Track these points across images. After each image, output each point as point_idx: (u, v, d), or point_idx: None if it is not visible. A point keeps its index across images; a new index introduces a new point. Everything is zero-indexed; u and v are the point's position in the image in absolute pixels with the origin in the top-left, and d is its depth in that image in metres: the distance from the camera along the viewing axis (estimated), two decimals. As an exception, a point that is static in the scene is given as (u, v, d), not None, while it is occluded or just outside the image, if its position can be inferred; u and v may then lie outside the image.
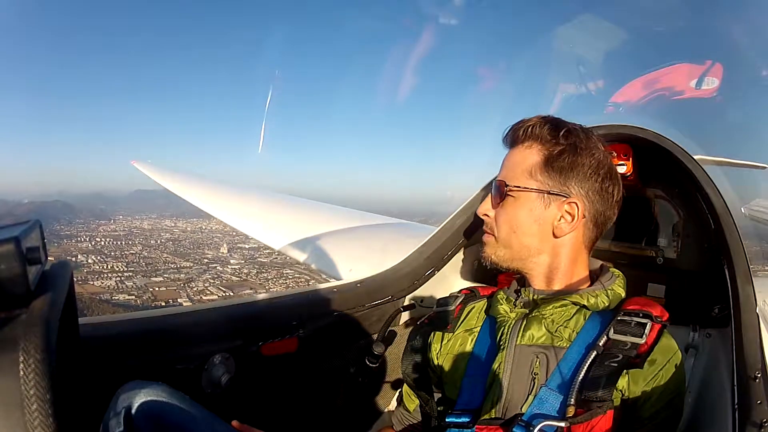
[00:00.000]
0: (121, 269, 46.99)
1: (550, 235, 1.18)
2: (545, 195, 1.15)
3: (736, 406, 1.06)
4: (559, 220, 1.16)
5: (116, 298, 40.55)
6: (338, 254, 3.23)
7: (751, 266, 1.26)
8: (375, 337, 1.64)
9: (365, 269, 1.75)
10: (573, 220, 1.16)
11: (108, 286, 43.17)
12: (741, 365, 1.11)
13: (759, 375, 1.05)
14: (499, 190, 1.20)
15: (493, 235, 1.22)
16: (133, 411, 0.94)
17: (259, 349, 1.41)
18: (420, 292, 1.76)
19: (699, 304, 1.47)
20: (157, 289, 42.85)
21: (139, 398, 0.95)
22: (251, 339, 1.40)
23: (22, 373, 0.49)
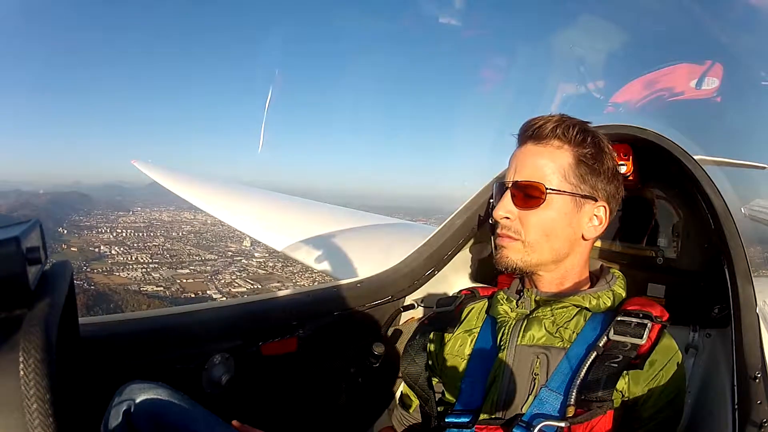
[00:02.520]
0: (146, 261, 46.22)
1: (579, 238, 1.17)
2: (578, 198, 1.14)
3: (736, 406, 1.06)
4: (589, 223, 1.16)
5: (144, 289, 39.84)
6: (342, 255, 3.21)
7: (751, 266, 1.26)
8: (375, 337, 1.64)
9: (370, 271, 1.75)
10: (600, 223, 1.16)
11: (135, 278, 42.43)
12: (741, 365, 1.11)
13: (759, 375, 1.05)
14: (532, 192, 1.13)
15: (520, 239, 1.15)
16: (133, 411, 0.94)
17: (258, 349, 1.41)
18: (420, 292, 1.76)
19: (699, 304, 1.47)
20: (184, 281, 42.05)
21: (139, 398, 0.95)
22: (251, 339, 1.40)
23: (22, 373, 0.49)
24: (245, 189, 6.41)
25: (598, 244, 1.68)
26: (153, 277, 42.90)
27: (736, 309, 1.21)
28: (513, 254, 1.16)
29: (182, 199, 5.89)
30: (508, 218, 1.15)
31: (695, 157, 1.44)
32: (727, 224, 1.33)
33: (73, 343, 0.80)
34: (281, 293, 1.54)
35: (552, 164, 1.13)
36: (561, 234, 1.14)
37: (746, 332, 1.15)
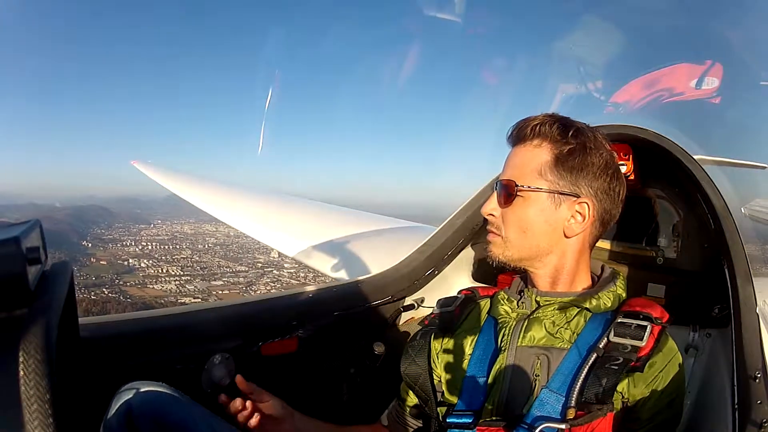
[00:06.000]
0: (178, 273, 46.59)
1: (560, 235, 1.16)
2: (556, 195, 1.14)
3: (736, 406, 1.06)
4: (570, 220, 1.15)
5: (182, 301, 39.83)
6: (352, 258, 3.18)
7: (751, 266, 1.26)
8: (375, 337, 1.63)
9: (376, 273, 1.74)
10: (584, 220, 1.15)
11: (169, 290, 42.67)
12: (741, 365, 1.11)
13: (759, 375, 1.05)
14: (508, 190, 1.16)
15: (500, 235, 1.19)
16: (134, 411, 0.94)
17: (258, 349, 1.41)
18: (420, 292, 1.76)
19: (699, 304, 1.47)
20: (220, 292, 42.21)
21: (140, 398, 0.96)
22: (251, 339, 1.40)
23: (22, 373, 0.49)
24: (246, 191, 6.37)
25: (605, 245, 1.68)
26: (188, 289, 43.32)
27: (736, 309, 1.21)
28: (495, 249, 1.20)
29: (191, 205, 5.75)
30: (492, 215, 1.20)
31: (695, 157, 1.44)
32: (727, 224, 1.33)
33: (73, 343, 0.81)
34: (281, 293, 1.54)
35: (530, 162, 1.15)
36: (537, 230, 1.15)
37: (746, 332, 1.15)
